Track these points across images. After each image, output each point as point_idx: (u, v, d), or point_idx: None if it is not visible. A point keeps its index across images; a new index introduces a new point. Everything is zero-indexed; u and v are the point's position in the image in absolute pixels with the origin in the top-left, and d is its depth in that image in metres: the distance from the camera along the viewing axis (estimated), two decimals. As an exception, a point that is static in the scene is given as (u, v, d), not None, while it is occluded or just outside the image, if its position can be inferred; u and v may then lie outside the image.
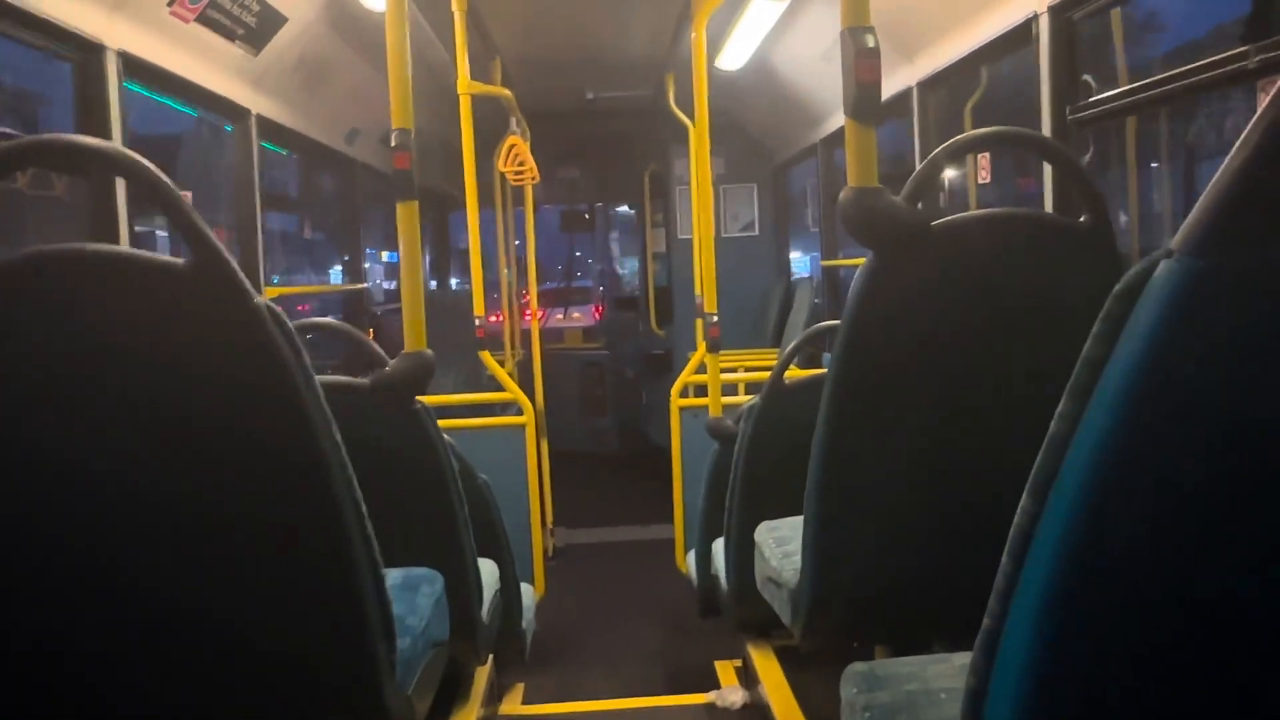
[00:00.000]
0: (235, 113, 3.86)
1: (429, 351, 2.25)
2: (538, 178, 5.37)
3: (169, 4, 3.02)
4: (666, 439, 4.68)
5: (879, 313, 1.63)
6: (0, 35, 2.47)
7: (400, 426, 2.17)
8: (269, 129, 4.11)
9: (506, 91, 4.94)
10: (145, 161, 1.24)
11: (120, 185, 2.83)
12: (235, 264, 1.25)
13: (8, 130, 2.49)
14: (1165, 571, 0.78)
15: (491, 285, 5.97)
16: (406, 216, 2.48)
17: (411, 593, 1.89)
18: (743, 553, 2.61)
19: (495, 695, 3.29)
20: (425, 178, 2.55)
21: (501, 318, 6.61)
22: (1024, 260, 1.65)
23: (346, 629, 1.44)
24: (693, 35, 3.88)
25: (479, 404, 4.57)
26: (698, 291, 4.82)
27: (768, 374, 2.85)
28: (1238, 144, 0.67)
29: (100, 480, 1.31)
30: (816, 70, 5.08)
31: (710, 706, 3.31)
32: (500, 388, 4.33)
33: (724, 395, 3.92)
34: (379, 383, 2.15)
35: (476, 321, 4.16)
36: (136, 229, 2.91)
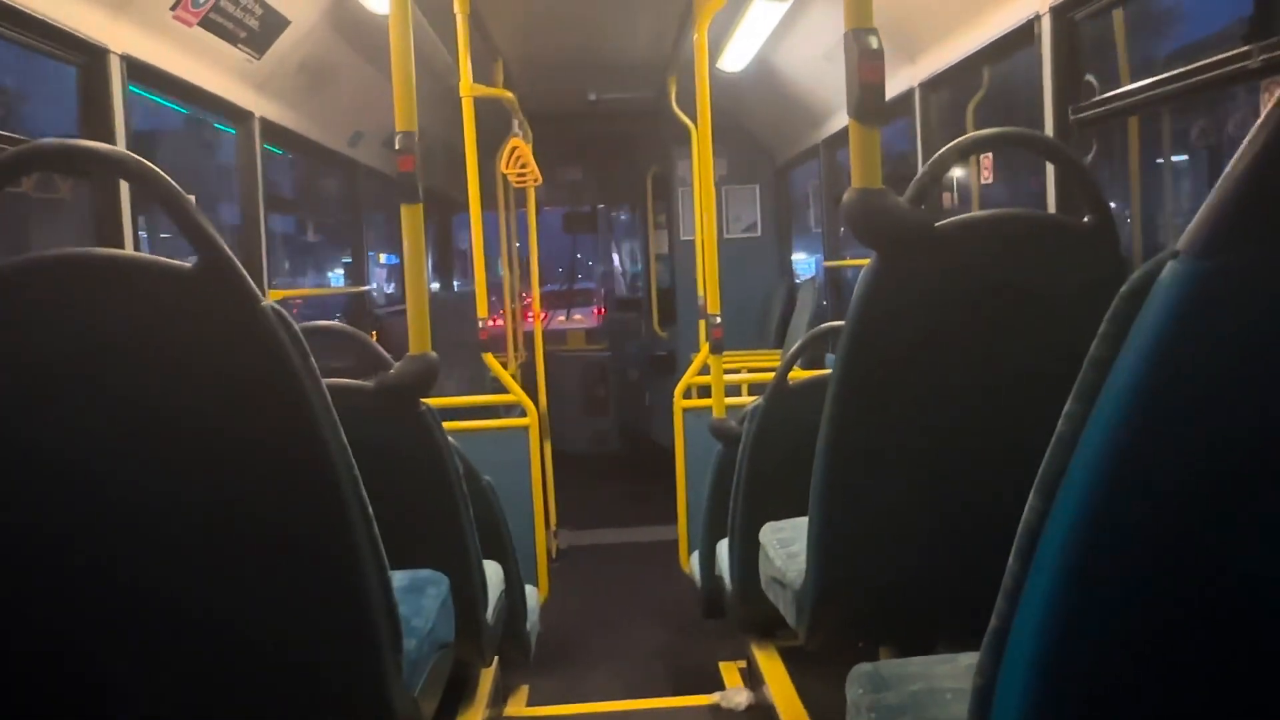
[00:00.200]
0: (238, 116, 3.86)
1: (434, 354, 2.26)
2: (540, 180, 5.37)
3: (172, 8, 3.03)
4: (669, 440, 4.68)
5: (883, 313, 1.64)
6: (5, 39, 2.48)
7: (405, 429, 2.17)
8: (272, 132, 4.12)
9: (509, 93, 4.95)
10: (153, 167, 1.24)
11: (124, 188, 2.84)
12: (242, 267, 1.26)
13: (12, 134, 2.49)
14: (1172, 570, 0.78)
15: (494, 287, 5.97)
16: (411, 219, 2.49)
17: (417, 595, 1.89)
18: (747, 553, 2.62)
19: (500, 697, 3.29)
20: (428, 180, 2.55)
21: (504, 320, 6.61)
22: (1028, 260, 1.65)
23: (353, 631, 1.45)
24: (695, 37, 3.89)
25: (482, 406, 4.58)
26: (700, 293, 4.82)
27: (770, 375, 2.85)
28: (1244, 144, 0.68)
29: (107, 483, 1.31)
30: (818, 71, 5.08)
31: (715, 707, 3.31)
32: (503, 390, 4.33)
33: (727, 396, 3.93)
34: (384, 385, 2.16)
35: (479, 324, 4.16)
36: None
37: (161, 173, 1.24)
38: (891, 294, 1.62)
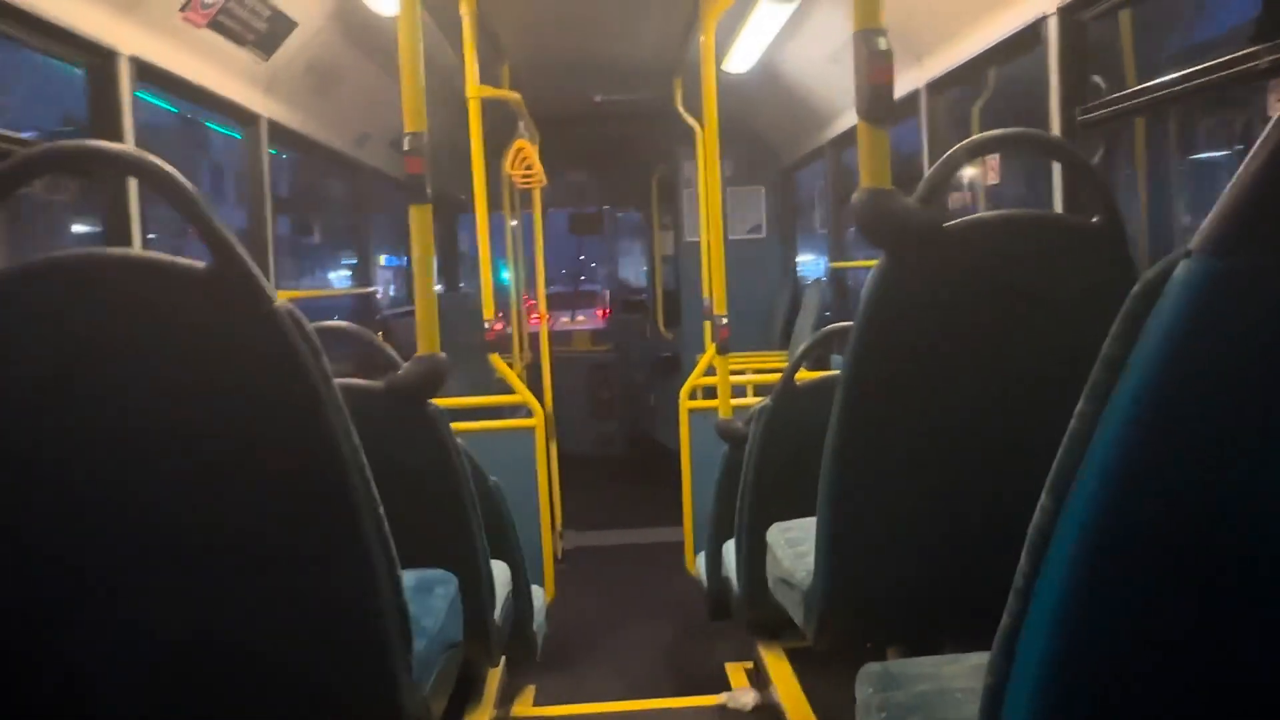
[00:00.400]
0: (246, 118, 3.87)
1: (442, 355, 2.26)
2: (545, 181, 5.38)
3: (181, 9, 3.04)
4: (675, 441, 4.68)
5: (892, 313, 1.64)
6: (14, 40, 2.49)
7: (414, 429, 2.17)
8: (279, 134, 4.13)
9: (515, 95, 4.96)
10: (168, 167, 1.25)
11: (134, 189, 2.85)
12: (256, 268, 1.26)
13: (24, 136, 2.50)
14: (1183, 570, 0.78)
15: (499, 289, 5.98)
16: (419, 220, 2.49)
17: (426, 594, 1.90)
18: (754, 554, 2.62)
19: (507, 697, 3.29)
20: (434, 181, 2.55)
21: (506, 321, 6.61)
22: (1036, 261, 1.65)
23: (364, 630, 1.45)
24: (701, 38, 3.89)
25: (488, 406, 4.58)
26: (706, 294, 4.82)
27: (775, 376, 2.85)
28: (1256, 144, 0.68)
29: (119, 483, 1.32)
30: (824, 72, 5.08)
31: (721, 708, 3.32)
32: (509, 390, 4.34)
33: (732, 397, 3.93)
34: (393, 386, 2.16)
35: (485, 325, 4.16)
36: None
37: (177, 174, 1.25)
38: (900, 294, 1.62)
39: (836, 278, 6.02)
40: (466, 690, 2.85)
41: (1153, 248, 3.22)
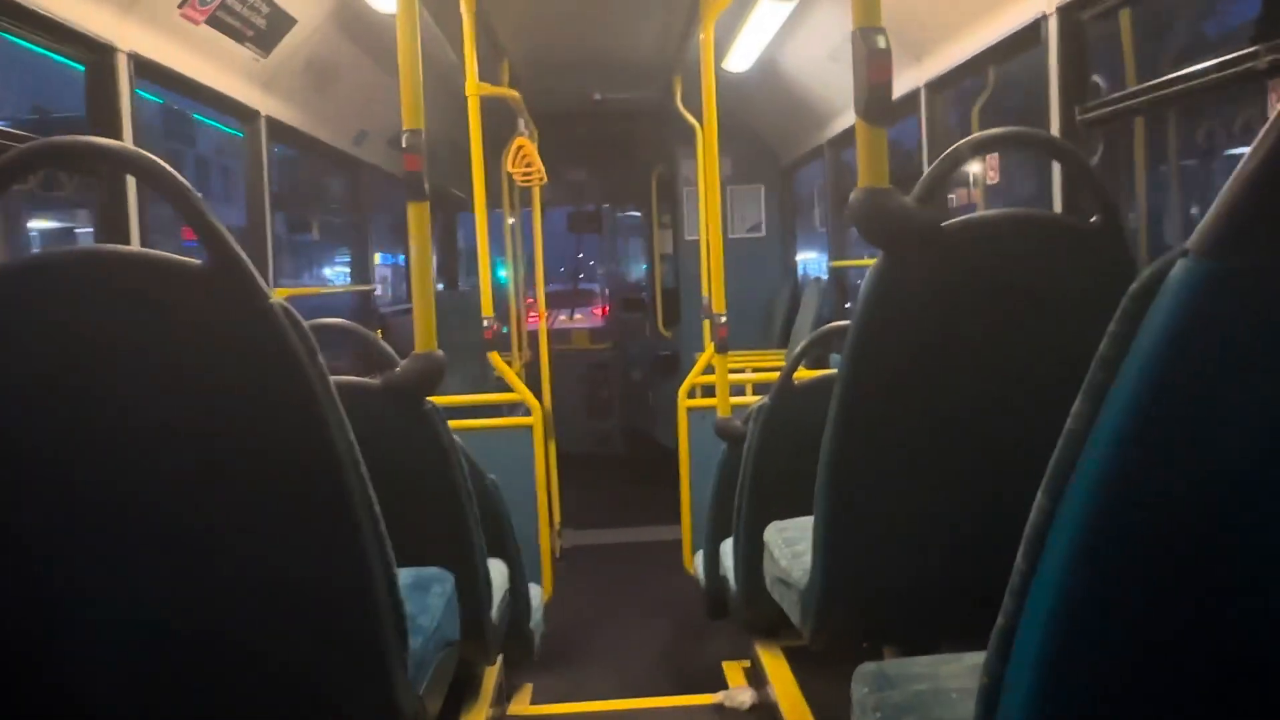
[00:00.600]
0: (245, 114, 3.87)
1: (440, 352, 2.26)
2: (545, 178, 5.37)
3: (179, 6, 3.04)
4: (674, 440, 4.68)
5: (889, 313, 1.63)
6: (13, 37, 2.49)
7: (411, 427, 2.17)
8: (278, 131, 4.13)
9: (514, 93, 4.95)
10: (164, 164, 1.25)
11: (132, 186, 2.85)
12: (252, 265, 1.26)
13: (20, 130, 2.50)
14: (1180, 570, 0.78)
15: (497, 287, 5.98)
16: (417, 217, 2.49)
17: (423, 593, 1.89)
18: (751, 553, 2.62)
19: (504, 695, 3.29)
20: (433, 179, 2.55)
21: (505, 320, 6.61)
22: (1034, 260, 1.65)
23: (360, 628, 1.45)
24: (700, 36, 3.89)
25: (487, 404, 4.58)
26: (705, 292, 4.82)
27: (775, 375, 2.84)
28: (1253, 145, 0.68)
29: (113, 479, 1.32)
30: (824, 71, 5.08)
31: (719, 707, 3.31)
32: (508, 388, 4.33)
33: (731, 396, 3.92)
34: (390, 383, 2.16)
35: (485, 323, 4.16)
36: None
37: (172, 170, 1.25)
38: (898, 293, 1.62)
39: (836, 276, 6.01)
40: (463, 688, 2.85)
41: (1152, 247, 3.21)
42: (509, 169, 5.24)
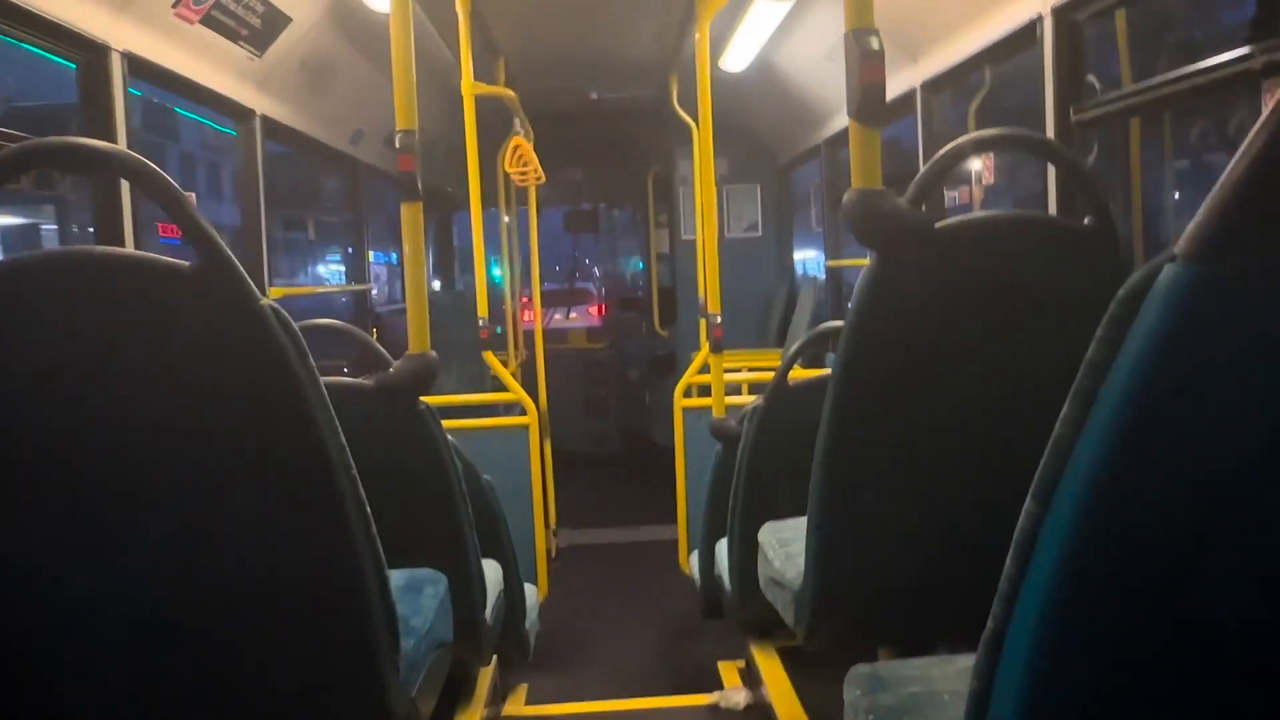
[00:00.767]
0: (240, 113, 3.86)
1: (433, 353, 2.25)
2: (542, 177, 5.37)
3: (174, 5, 3.03)
4: (669, 440, 4.68)
5: (883, 314, 1.63)
6: (6, 37, 2.48)
7: (404, 428, 2.17)
8: (273, 130, 4.12)
9: (510, 92, 4.95)
10: (152, 165, 1.24)
11: (125, 187, 2.84)
12: (240, 266, 1.26)
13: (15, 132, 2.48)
14: (1167, 575, 0.78)
15: (493, 286, 5.98)
16: (411, 217, 2.48)
17: (415, 594, 1.89)
18: (746, 553, 2.61)
19: (499, 696, 3.29)
20: (429, 178, 2.55)
21: (500, 320, 6.61)
22: (1027, 262, 1.65)
23: (351, 630, 1.45)
24: (696, 36, 3.88)
25: (482, 404, 4.57)
26: (701, 292, 4.82)
27: (771, 375, 2.84)
28: (1242, 148, 0.67)
29: (102, 481, 1.31)
30: (820, 71, 5.08)
31: (713, 707, 3.31)
32: (503, 388, 4.33)
33: (727, 396, 3.92)
34: (383, 384, 2.15)
35: (480, 322, 4.16)
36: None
37: (160, 171, 1.25)
38: (891, 295, 1.62)
39: (833, 276, 6.01)
40: (458, 689, 2.84)
41: (1147, 248, 3.21)
42: (505, 168, 5.24)
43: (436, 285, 8.58)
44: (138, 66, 2.92)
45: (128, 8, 2.82)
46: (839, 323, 1.92)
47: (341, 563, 1.39)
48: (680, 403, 4.47)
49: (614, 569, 5.55)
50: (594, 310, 10.57)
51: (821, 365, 4.17)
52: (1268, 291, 0.69)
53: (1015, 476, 0.99)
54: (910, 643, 2.00)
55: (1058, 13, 2.79)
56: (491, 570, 2.62)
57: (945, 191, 4.61)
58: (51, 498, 1.31)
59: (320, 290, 9.75)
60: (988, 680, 0.89)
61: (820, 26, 4.65)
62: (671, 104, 5.73)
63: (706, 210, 4.09)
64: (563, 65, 6.17)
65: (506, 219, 6.74)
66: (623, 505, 6.87)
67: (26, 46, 2.58)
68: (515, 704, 3.51)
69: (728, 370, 4.20)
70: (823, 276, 6.45)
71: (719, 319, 3.89)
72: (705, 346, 4.24)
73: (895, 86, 3.94)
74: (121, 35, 2.82)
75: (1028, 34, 2.94)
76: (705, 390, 4.29)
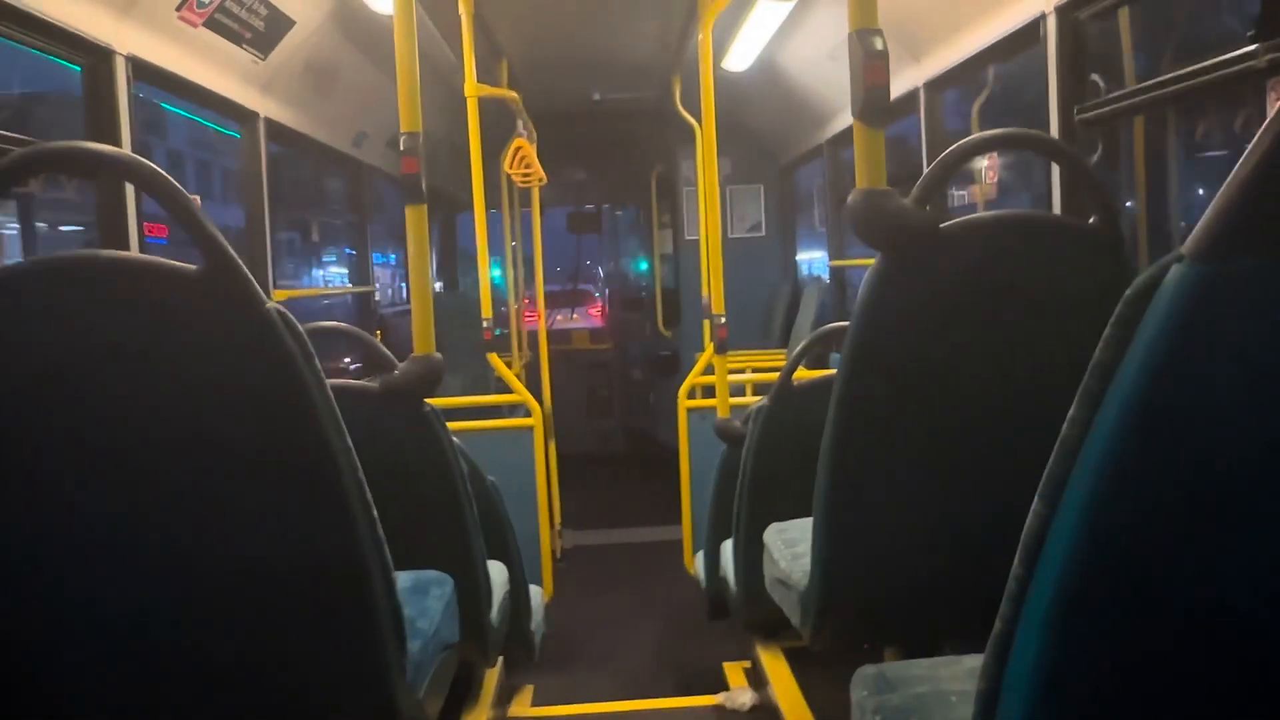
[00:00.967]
0: (243, 116, 3.87)
1: (438, 355, 2.26)
2: (544, 179, 5.37)
3: (178, 8, 3.04)
4: (674, 440, 4.68)
5: (888, 314, 1.63)
6: (10, 40, 2.49)
7: (409, 430, 2.17)
8: (277, 132, 4.13)
9: (513, 93, 4.95)
10: (158, 169, 1.25)
11: (129, 190, 2.85)
12: (246, 270, 1.26)
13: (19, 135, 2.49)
14: (1176, 575, 0.78)
15: (496, 288, 5.98)
16: (415, 220, 2.48)
17: (422, 596, 1.89)
18: (751, 554, 2.61)
19: (505, 697, 3.29)
20: (432, 179, 2.55)
21: (503, 322, 6.61)
22: (1033, 262, 1.64)
23: (358, 632, 1.45)
24: (699, 36, 3.88)
25: (486, 406, 4.58)
26: (705, 293, 4.82)
27: (775, 375, 2.84)
28: (1249, 148, 0.67)
29: (111, 485, 1.32)
30: (823, 70, 5.08)
31: (719, 708, 3.31)
32: (507, 390, 4.33)
33: (731, 396, 3.92)
34: (389, 386, 2.16)
35: (484, 324, 4.16)
36: None
37: (166, 175, 1.25)
38: (896, 295, 1.62)
39: (836, 276, 6.01)
40: (464, 690, 2.85)
41: (1151, 249, 3.21)
42: (508, 170, 5.24)
43: (439, 287, 8.59)
44: (142, 70, 2.92)
45: (131, 11, 2.83)
46: (844, 323, 1.92)
47: (348, 565, 1.39)
48: (684, 403, 4.47)
49: (619, 570, 5.55)
50: (593, 312, 10.58)
51: (824, 365, 4.17)
52: (1276, 291, 0.69)
53: (1020, 476, 0.99)
54: (916, 643, 1.99)
55: (1061, 11, 2.79)
56: (497, 572, 2.62)
57: (954, 190, 4.62)
58: (57, 501, 1.31)
59: (326, 293, 9.76)
60: (996, 680, 0.89)
61: (822, 26, 4.65)
62: (674, 104, 5.73)
63: (710, 210, 4.09)
64: (565, 66, 6.18)
65: (511, 221, 6.75)
66: (627, 506, 6.87)
67: (33, 50, 2.59)
68: (521, 705, 3.51)
69: (731, 371, 4.19)
70: (826, 276, 6.44)
71: (723, 319, 3.89)
72: (709, 347, 4.23)
73: (898, 86, 3.93)
74: (126, 39, 2.83)
75: (1031, 33, 2.94)
76: (709, 391, 4.29)
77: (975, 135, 1.76)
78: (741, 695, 3.32)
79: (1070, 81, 2.80)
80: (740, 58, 5.31)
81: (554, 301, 9.62)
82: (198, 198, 1.33)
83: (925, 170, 1.69)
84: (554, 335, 7.57)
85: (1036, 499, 0.83)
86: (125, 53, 2.82)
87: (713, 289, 3.97)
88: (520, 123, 5.15)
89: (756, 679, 3.36)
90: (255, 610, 1.40)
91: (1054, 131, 2.85)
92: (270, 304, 1.27)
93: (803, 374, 2.84)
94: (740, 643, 3.61)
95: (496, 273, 7.03)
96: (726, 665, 3.75)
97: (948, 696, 1.33)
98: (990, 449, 1.65)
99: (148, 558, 1.35)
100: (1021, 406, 1.58)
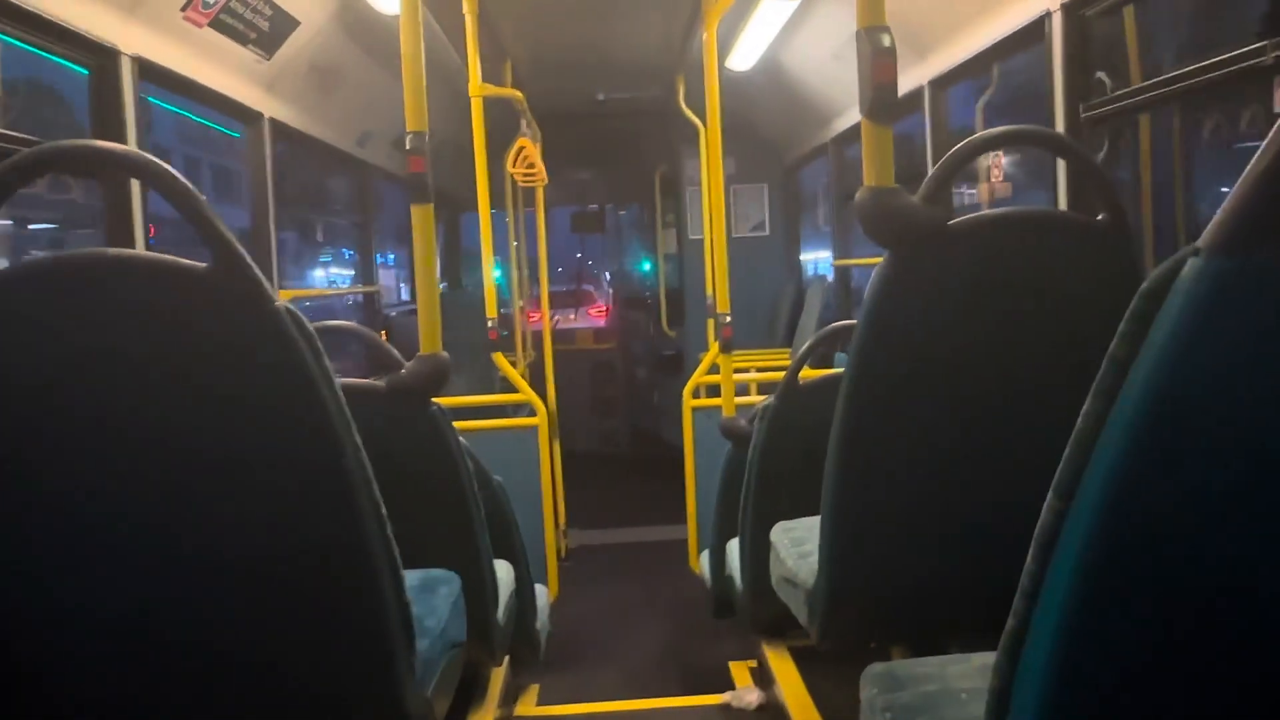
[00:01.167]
0: (248, 116, 3.87)
1: (445, 354, 2.26)
2: (546, 180, 5.37)
3: (183, 9, 3.04)
4: (679, 439, 4.68)
5: (896, 312, 1.63)
6: (17, 41, 2.49)
7: (416, 429, 2.17)
8: (282, 132, 4.13)
9: (517, 93, 4.95)
10: (168, 168, 1.25)
11: (136, 188, 2.85)
12: (256, 268, 1.26)
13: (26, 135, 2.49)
14: (1190, 571, 0.77)
15: (500, 288, 5.99)
16: (421, 219, 2.48)
17: (430, 594, 1.89)
18: (758, 553, 2.61)
19: (511, 696, 3.29)
20: (436, 179, 2.55)
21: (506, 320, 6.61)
22: (1041, 259, 1.64)
23: (367, 631, 1.45)
24: (703, 36, 3.88)
25: (491, 405, 4.58)
26: (709, 292, 4.82)
27: (780, 374, 2.84)
28: (1265, 142, 0.67)
29: (120, 484, 1.32)
30: (827, 69, 5.07)
31: (725, 707, 3.31)
32: (513, 389, 4.33)
33: (736, 395, 3.92)
34: (396, 385, 2.16)
35: (489, 323, 4.16)
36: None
37: (177, 174, 1.25)
38: (905, 293, 1.62)
39: (841, 275, 6.01)
40: (470, 690, 2.84)
41: (1157, 246, 3.20)
42: (511, 170, 5.24)
43: (443, 287, 8.58)
44: (148, 70, 2.93)
45: (137, 12, 2.84)
46: (850, 322, 1.92)
47: (357, 563, 1.39)
48: (689, 403, 4.47)
49: (624, 569, 5.55)
50: (593, 312, 10.58)
51: (829, 365, 4.16)
52: None
53: (1029, 474, 0.99)
54: (924, 641, 1.99)
55: (1067, 9, 2.78)
56: (503, 571, 2.62)
57: (965, 189, 4.62)
58: (67, 500, 1.32)
59: (333, 293, 9.77)
60: (1008, 678, 0.89)
61: (827, 25, 4.65)
62: (678, 104, 5.73)
63: (715, 210, 4.09)
64: (569, 66, 6.18)
65: (514, 221, 6.75)
66: (632, 505, 6.87)
67: (38, 52, 2.59)
68: (527, 704, 3.51)
69: (736, 370, 4.19)
70: (830, 276, 6.44)
71: (728, 319, 3.89)
72: (714, 346, 4.23)
73: (903, 84, 3.92)
74: (131, 39, 2.83)
75: (1036, 30, 2.94)
76: (714, 390, 4.29)
77: (982, 132, 1.76)
78: (747, 694, 3.32)
79: (1076, 79, 2.80)
80: (744, 57, 5.31)
81: (556, 302, 9.63)
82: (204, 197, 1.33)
83: (930, 168, 1.68)
84: (558, 335, 7.58)
85: (1051, 494, 0.82)
86: (131, 53, 2.83)
87: (717, 288, 3.97)
88: (524, 123, 5.15)
89: (762, 678, 3.36)
90: (265, 608, 1.41)
91: (1059, 129, 2.84)
92: (279, 302, 1.27)
93: (807, 373, 2.84)
94: (746, 642, 3.60)
95: (499, 273, 7.03)
96: (732, 664, 3.75)
97: (958, 694, 1.33)
98: (999, 446, 1.65)
99: (155, 555, 1.36)
100: (1029, 403, 1.58)
